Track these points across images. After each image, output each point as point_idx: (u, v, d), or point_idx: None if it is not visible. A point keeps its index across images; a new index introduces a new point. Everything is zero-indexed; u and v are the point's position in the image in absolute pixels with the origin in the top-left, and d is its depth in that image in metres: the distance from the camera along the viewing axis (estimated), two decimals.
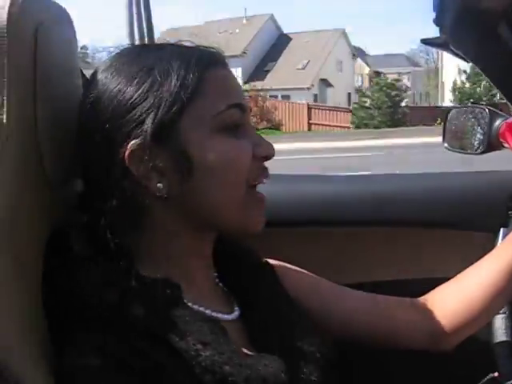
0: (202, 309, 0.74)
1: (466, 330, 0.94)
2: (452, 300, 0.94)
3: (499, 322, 1.06)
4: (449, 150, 1.64)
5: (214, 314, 0.76)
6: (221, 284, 0.85)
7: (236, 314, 0.81)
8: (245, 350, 0.75)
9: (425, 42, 1.23)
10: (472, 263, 0.96)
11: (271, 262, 0.93)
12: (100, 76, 0.75)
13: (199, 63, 0.73)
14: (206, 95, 0.72)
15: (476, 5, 1.03)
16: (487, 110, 1.49)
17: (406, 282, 1.32)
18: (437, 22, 1.12)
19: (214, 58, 0.77)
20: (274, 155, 0.78)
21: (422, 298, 0.98)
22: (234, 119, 0.74)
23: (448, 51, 1.20)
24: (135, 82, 0.72)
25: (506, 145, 1.48)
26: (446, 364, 1.08)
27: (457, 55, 1.20)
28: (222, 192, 0.74)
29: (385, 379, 1.27)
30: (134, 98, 0.71)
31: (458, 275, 0.96)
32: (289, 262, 0.97)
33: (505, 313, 1.05)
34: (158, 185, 0.71)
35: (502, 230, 1.11)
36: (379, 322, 0.95)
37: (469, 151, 1.56)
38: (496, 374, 1.04)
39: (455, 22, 1.09)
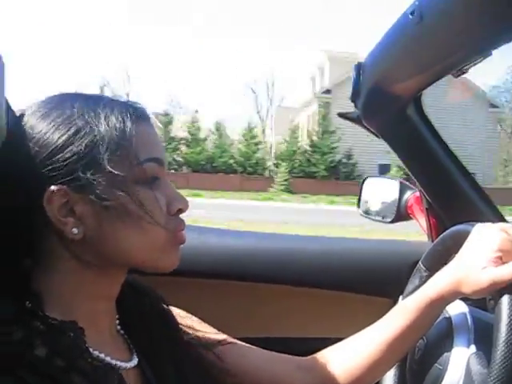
0: (102, 355, 0.74)
1: None
2: (339, 361, 0.97)
3: None
4: (363, 216, 1.73)
5: (114, 362, 0.75)
6: (122, 331, 0.86)
7: (134, 361, 0.81)
8: None
9: (340, 115, 1.30)
10: None
11: (174, 310, 0.95)
12: (27, 118, 0.74)
13: (128, 117, 0.76)
14: (130, 147, 0.73)
15: (386, 88, 1.11)
16: (398, 181, 1.59)
17: (302, 340, 1.36)
18: (352, 98, 1.20)
19: (142, 114, 0.79)
20: (187, 209, 0.80)
21: (310, 357, 1.00)
22: (152, 172, 0.75)
23: (361, 126, 1.27)
24: (61, 127, 0.72)
25: (413, 216, 1.57)
26: None
27: (369, 130, 1.28)
28: (138, 241, 0.75)
29: None
30: (59, 143, 0.71)
31: (351, 337, 1.00)
32: (190, 311, 0.98)
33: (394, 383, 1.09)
34: (73, 229, 0.72)
35: (400, 297, 1.16)
36: (267, 379, 0.97)
37: (380, 219, 1.65)
38: None
39: (367, 100, 1.17)
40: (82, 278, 0.76)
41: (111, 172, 0.72)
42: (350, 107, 1.27)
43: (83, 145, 0.72)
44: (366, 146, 26.71)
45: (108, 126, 0.74)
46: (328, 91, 31.02)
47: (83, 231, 0.73)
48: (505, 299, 0.77)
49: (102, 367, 0.72)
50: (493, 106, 31.15)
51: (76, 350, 0.70)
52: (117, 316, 0.85)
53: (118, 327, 0.85)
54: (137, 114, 0.78)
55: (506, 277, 0.79)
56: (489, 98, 31.48)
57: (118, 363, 0.76)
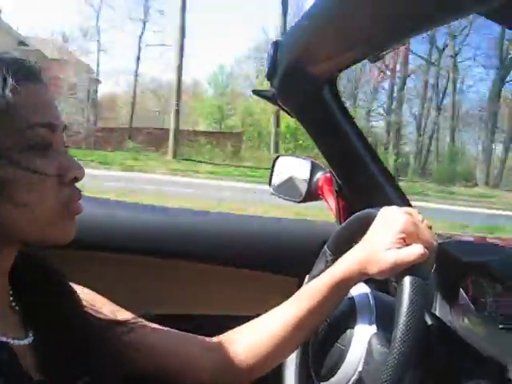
0: None
1: (255, 372, 0.98)
2: (246, 341, 0.97)
3: (290, 372, 1.11)
4: (273, 194, 1.73)
5: (4, 339, 0.70)
6: (17, 307, 0.81)
7: (29, 339, 0.77)
8: (35, 377, 0.72)
9: (255, 92, 1.29)
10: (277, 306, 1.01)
11: (75, 286, 0.91)
12: None
13: (10, 77, 0.68)
14: (12, 112, 0.68)
15: (303, 69, 1.11)
16: (310, 162, 1.60)
17: (210, 317, 1.36)
18: (267, 76, 1.18)
19: (30, 72, 0.72)
20: (82, 177, 0.75)
21: (216, 338, 1.00)
22: (40, 138, 0.70)
23: (276, 105, 1.26)
24: None
25: (322, 197, 1.59)
26: None
27: (284, 110, 1.27)
28: (28, 213, 0.70)
29: None
30: None
31: (257, 318, 1.00)
32: (97, 286, 0.95)
33: (297, 364, 1.11)
34: None
35: (307, 277, 1.17)
36: (169, 356, 0.95)
37: (290, 198, 1.66)
38: None
39: (283, 80, 1.16)
40: None
41: None
42: None
43: None
44: None
45: None
46: None
47: None
48: (406, 280, 0.80)
49: None
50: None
51: None
52: (11, 292, 0.80)
53: (13, 304, 0.80)
54: (23, 72, 0.71)
55: (408, 258, 0.82)
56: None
57: (11, 341, 0.71)
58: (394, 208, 0.90)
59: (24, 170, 0.68)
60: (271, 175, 1.72)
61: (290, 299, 0.98)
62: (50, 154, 0.72)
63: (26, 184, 0.69)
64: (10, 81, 0.68)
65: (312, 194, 1.59)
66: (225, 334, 1.00)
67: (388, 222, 0.88)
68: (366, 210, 0.97)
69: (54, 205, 0.72)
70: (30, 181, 0.69)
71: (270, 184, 1.72)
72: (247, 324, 1.01)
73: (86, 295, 0.92)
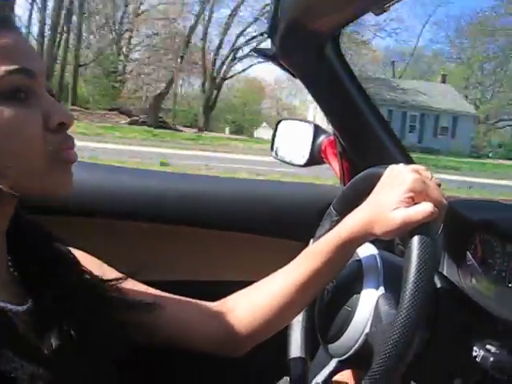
0: None
1: (258, 337, 0.97)
2: (247, 305, 0.96)
3: (295, 335, 1.10)
4: (275, 158, 1.70)
5: (2, 304, 0.69)
6: (16, 273, 0.79)
7: (29, 305, 0.75)
8: (34, 343, 0.70)
9: (255, 51, 1.25)
10: None
11: (75, 251, 0.88)
12: None
13: None
14: None
15: (306, 24, 1.07)
16: (312, 125, 1.57)
17: (214, 283, 1.34)
18: (269, 33, 1.14)
19: (1, 20, 0.68)
20: (71, 123, 0.72)
21: (219, 303, 0.99)
22: (16, 85, 0.67)
23: (277, 65, 1.22)
24: None
25: (326, 160, 1.56)
26: (239, 370, 1.10)
27: (285, 69, 1.23)
28: (16, 163, 0.67)
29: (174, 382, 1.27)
30: None
31: (260, 281, 0.99)
32: (97, 253, 0.93)
33: (302, 327, 1.09)
34: None
35: (311, 240, 1.15)
36: (172, 323, 0.94)
37: (293, 162, 1.63)
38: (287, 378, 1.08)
39: (285, 37, 1.12)
40: None
41: None
42: None
43: None
44: None
45: None
46: None
47: None
48: (415, 240, 0.77)
49: None
50: None
51: None
52: (9, 258, 0.78)
53: (11, 269, 0.78)
54: None
55: (417, 217, 0.78)
56: None
57: (8, 306, 0.69)
58: (401, 166, 0.87)
59: (3, 119, 0.65)
60: (273, 139, 1.68)
61: (294, 261, 0.95)
62: (32, 102, 0.69)
63: (8, 134, 0.66)
64: None
65: (315, 158, 1.56)
66: (226, 298, 0.98)
67: (395, 180, 0.84)
68: (372, 169, 0.94)
69: (41, 153, 0.69)
70: (12, 130, 0.66)
71: (272, 148, 1.69)
72: (249, 287, 0.98)
73: (86, 259, 0.90)
